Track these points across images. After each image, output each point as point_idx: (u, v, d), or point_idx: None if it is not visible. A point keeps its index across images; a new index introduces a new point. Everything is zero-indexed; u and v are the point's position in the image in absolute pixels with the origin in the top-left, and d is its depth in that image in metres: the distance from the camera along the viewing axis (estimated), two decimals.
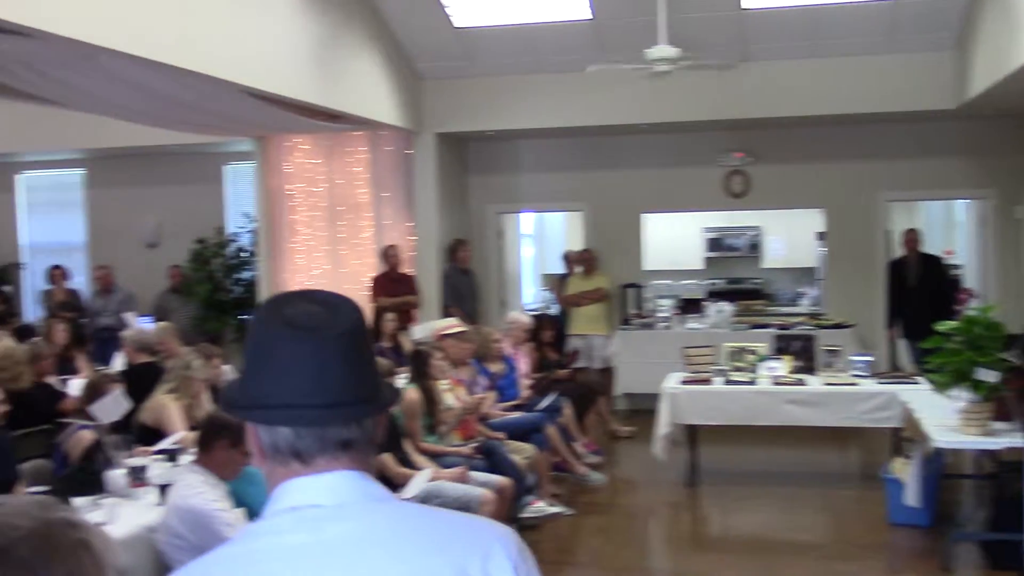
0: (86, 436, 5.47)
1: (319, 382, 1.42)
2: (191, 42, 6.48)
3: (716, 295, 12.71)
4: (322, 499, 1.42)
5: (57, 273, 12.29)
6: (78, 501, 4.77)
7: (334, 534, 1.38)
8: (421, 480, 5.66)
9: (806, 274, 13.60)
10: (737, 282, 14.01)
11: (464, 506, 5.83)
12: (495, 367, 8.26)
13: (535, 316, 10.10)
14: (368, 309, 10.49)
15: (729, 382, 8.15)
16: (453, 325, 7.86)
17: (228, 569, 1.38)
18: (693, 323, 10.98)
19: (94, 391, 5.82)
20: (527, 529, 6.91)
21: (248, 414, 1.47)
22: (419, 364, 6.80)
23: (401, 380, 6.96)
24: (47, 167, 13.36)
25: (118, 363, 8.76)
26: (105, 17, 5.65)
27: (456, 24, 9.51)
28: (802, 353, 8.52)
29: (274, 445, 1.45)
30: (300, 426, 1.43)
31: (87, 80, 6.77)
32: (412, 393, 6.60)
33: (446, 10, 9.28)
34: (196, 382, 6.41)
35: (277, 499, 1.44)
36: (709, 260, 14.23)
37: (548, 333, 9.71)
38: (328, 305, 1.49)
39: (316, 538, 1.37)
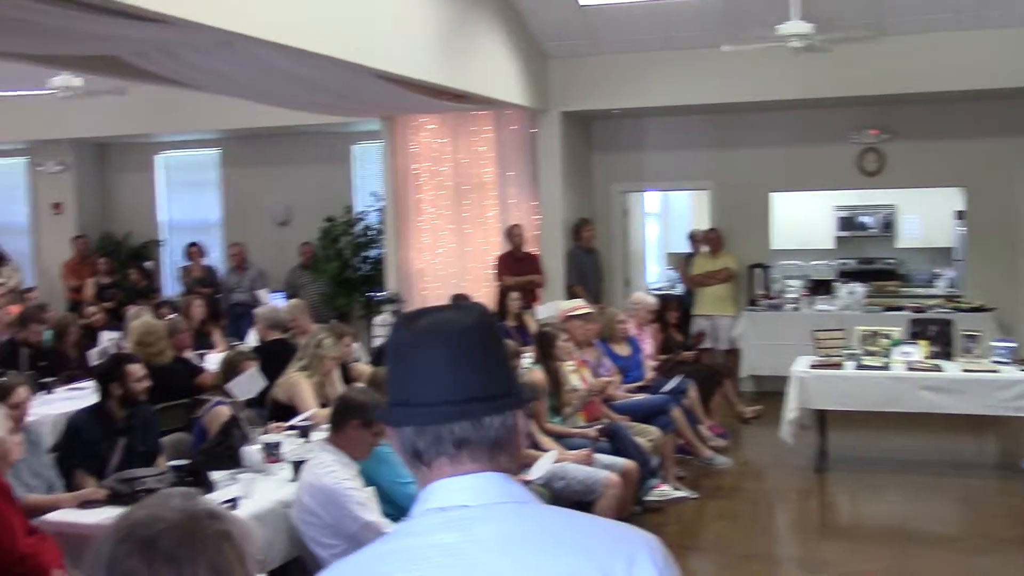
0: (223, 411, 5.65)
1: (431, 381, 1.47)
2: (322, 26, 6.58)
3: (847, 276, 12.35)
4: (468, 500, 1.45)
5: (194, 250, 12.71)
6: (216, 475, 4.94)
7: (481, 534, 1.40)
8: (546, 461, 5.66)
9: (943, 254, 13.09)
10: (869, 262, 13.57)
11: (589, 488, 5.83)
12: (620, 348, 8.21)
13: (660, 296, 9.99)
14: (492, 288, 10.55)
15: (861, 367, 7.91)
16: (579, 307, 7.84)
17: (380, 566, 1.42)
18: (823, 305, 10.71)
19: (231, 368, 6.00)
20: (651, 512, 6.88)
21: (379, 416, 1.56)
22: (544, 345, 6.80)
23: (526, 360, 6.99)
24: (184, 147, 13.80)
25: (251, 339, 9.02)
26: (239, 4, 5.77)
27: (582, 2, 9.42)
28: (939, 338, 8.22)
29: (402, 445, 1.51)
30: (415, 424, 1.48)
31: (222, 64, 6.94)
32: (537, 374, 6.61)
33: None
34: (327, 360, 6.55)
35: (425, 499, 1.48)
36: (840, 239, 13.82)
37: (673, 314, 9.61)
38: (454, 310, 1.54)
39: (464, 538, 1.40)
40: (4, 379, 5.03)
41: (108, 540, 1.37)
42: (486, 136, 11.17)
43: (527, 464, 5.66)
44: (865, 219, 13.73)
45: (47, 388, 7.43)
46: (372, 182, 12.38)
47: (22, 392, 5.01)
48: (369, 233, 12.43)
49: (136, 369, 5.42)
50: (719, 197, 11.64)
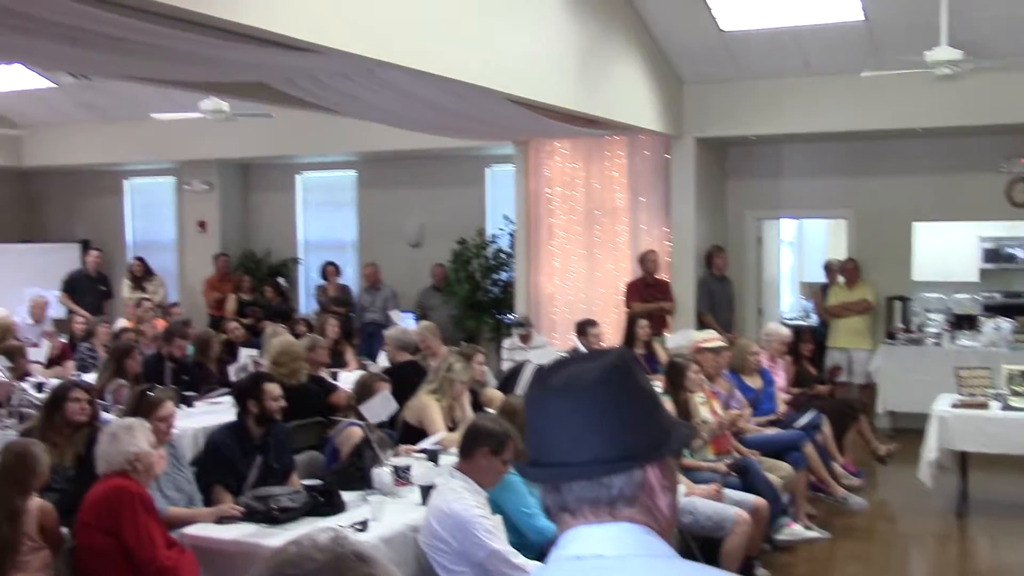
0: (356, 432, 5.75)
1: (554, 440, 1.49)
2: (461, 54, 6.69)
3: (993, 310, 11.84)
4: (604, 550, 1.45)
5: (331, 269, 13.01)
6: (347, 496, 5.04)
7: None
8: None
9: None
10: (1017, 296, 12.99)
11: (717, 525, 5.74)
12: (751, 380, 8.06)
13: (794, 328, 9.78)
14: (621, 314, 10.51)
15: (1007, 408, 7.58)
16: (711, 339, 7.72)
17: None
18: (966, 340, 10.32)
19: (364, 389, 6.11)
20: (781, 551, 6.73)
21: (524, 471, 1.57)
22: (675, 376, 6.72)
23: (655, 389, 6.92)
24: (323, 168, 14.17)
25: (383, 359, 9.18)
26: (382, 33, 5.92)
27: (723, 27, 9.33)
28: None
29: (541, 499, 1.55)
30: (542, 482, 1.52)
31: (364, 90, 7.11)
32: (667, 405, 6.53)
33: (713, 13, 9.12)
34: (457, 384, 6.61)
35: (563, 545, 1.49)
36: (985, 272, 13.26)
37: (807, 346, 9.38)
38: (589, 361, 1.54)
39: None
40: (151, 394, 5.24)
41: None
42: (619, 161, 11.16)
43: None
44: (1013, 251, 13.16)
45: (188, 402, 7.70)
46: (504, 205, 12.48)
47: (169, 407, 5.22)
48: (500, 256, 12.54)
49: (273, 388, 5.57)
50: (858, 226, 11.35)
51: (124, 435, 4.50)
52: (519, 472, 1.57)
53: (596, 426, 1.47)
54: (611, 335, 9.98)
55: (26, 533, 4.49)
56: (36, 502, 4.60)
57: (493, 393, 7.46)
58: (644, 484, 1.49)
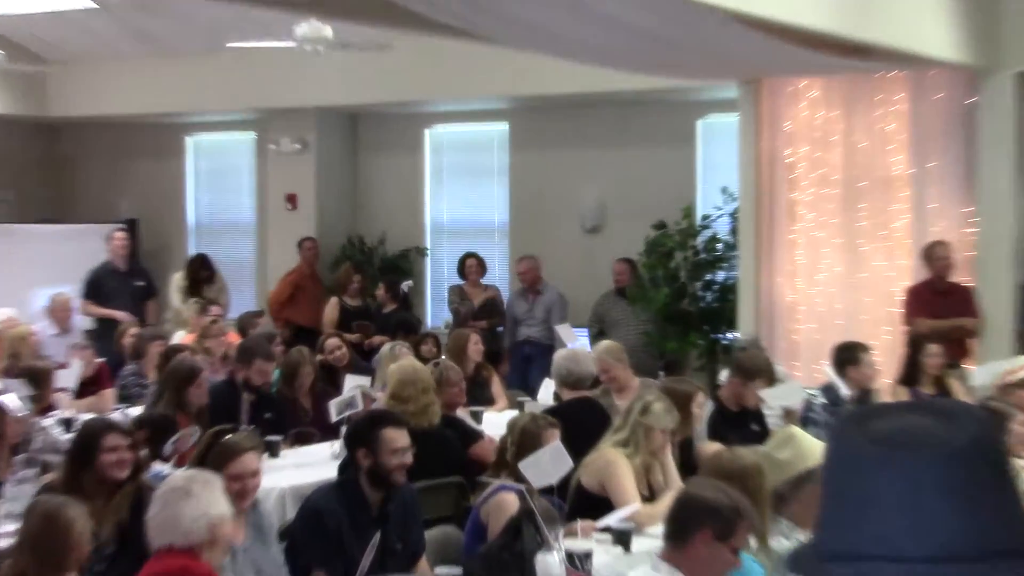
0: (510, 501, 5.74)
1: (915, 521, 1.42)
2: None
3: None
4: None
5: (472, 264, 13.13)
6: None
7: None
8: None
9: None
10: None
11: None
12: None
13: None
14: (899, 335, 10.24)
15: None
16: None
17: None
18: None
19: (523, 438, 6.09)
20: None
21: (817, 569, 1.51)
22: None
23: None
24: (461, 120, 14.42)
25: (545, 392, 9.21)
26: None
27: None
28: None
29: None
30: None
31: (532, 8, 7.14)
32: None
33: None
34: (657, 433, 6.52)
35: None
36: None
37: None
38: (942, 415, 1.48)
39: None
40: (230, 437, 5.31)
41: None
42: (896, 109, 10.90)
43: None
44: None
45: (273, 450, 7.80)
46: (724, 174, 12.34)
47: (250, 460, 5.27)
48: (716, 248, 12.39)
49: (396, 435, 5.60)
50: None
51: (203, 492, 4.55)
52: (829, 569, 1.48)
53: (986, 502, 1.43)
54: (883, 365, 9.72)
55: None
56: None
57: (710, 446, 7.36)
58: None
